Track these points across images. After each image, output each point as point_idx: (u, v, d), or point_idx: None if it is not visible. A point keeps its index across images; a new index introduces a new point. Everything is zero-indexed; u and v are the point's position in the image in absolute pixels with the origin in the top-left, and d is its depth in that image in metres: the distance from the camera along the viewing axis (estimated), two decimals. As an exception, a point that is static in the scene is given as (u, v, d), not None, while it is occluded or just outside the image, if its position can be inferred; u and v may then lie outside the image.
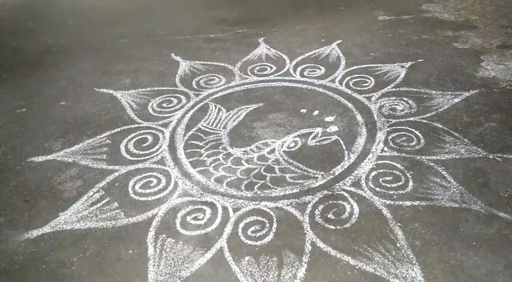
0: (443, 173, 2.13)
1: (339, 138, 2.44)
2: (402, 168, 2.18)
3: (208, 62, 3.41)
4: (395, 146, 2.34)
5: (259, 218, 1.96)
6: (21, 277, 1.78)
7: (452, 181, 2.08)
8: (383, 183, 2.10)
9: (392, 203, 1.99)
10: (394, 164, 2.22)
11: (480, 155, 2.23)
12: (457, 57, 3.21)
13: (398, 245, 1.78)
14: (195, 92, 3.01)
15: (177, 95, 3.00)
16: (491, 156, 2.22)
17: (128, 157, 2.42)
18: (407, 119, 2.56)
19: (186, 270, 1.74)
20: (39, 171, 2.35)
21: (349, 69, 3.15)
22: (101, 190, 2.19)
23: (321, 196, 2.05)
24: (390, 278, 1.65)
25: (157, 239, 1.89)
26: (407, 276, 1.65)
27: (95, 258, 1.83)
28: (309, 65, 3.26)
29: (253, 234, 1.88)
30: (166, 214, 2.02)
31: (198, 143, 2.50)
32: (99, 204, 2.10)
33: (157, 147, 2.49)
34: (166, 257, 1.80)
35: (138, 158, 2.40)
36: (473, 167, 2.16)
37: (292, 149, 2.39)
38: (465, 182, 2.07)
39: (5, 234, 1.98)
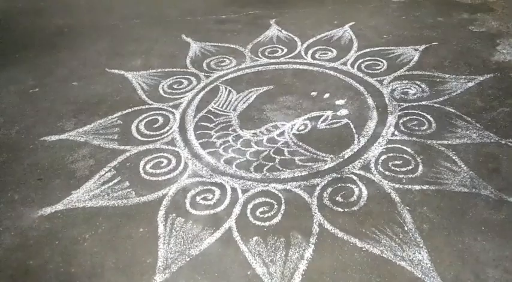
0: (454, 157, 2.12)
1: (349, 121, 2.43)
2: (412, 152, 2.17)
3: (219, 44, 3.38)
4: (406, 130, 2.32)
5: (267, 200, 1.98)
6: (35, 252, 1.83)
7: (462, 166, 2.06)
8: (392, 167, 2.09)
9: (401, 186, 1.98)
10: (405, 148, 2.20)
11: (492, 140, 2.20)
12: (473, 40, 3.14)
13: (406, 228, 1.79)
14: (206, 74, 3.00)
15: (187, 76, 2.99)
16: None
17: (139, 138, 2.44)
18: (419, 103, 2.53)
19: (195, 249, 1.78)
20: (52, 150, 2.40)
21: (362, 51, 3.11)
22: (112, 169, 2.22)
23: (330, 179, 2.06)
24: (397, 261, 1.67)
25: (168, 217, 1.93)
26: (414, 259, 1.66)
27: (106, 235, 1.87)
28: (320, 47, 3.22)
29: (261, 215, 1.90)
30: (176, 194, 2.05)
31: (208, 124, 2.51)
32: (110, 183, 2.14)
33: (167, 128, 2.51)
34: (176, 235, 1.84)
35: (149, 139, 2.43)
36: (484, 152, 2.14)
37: (302, 132, 2.38)
38: (476, 167, 2.05)
39: (20, 211, 2.03)
